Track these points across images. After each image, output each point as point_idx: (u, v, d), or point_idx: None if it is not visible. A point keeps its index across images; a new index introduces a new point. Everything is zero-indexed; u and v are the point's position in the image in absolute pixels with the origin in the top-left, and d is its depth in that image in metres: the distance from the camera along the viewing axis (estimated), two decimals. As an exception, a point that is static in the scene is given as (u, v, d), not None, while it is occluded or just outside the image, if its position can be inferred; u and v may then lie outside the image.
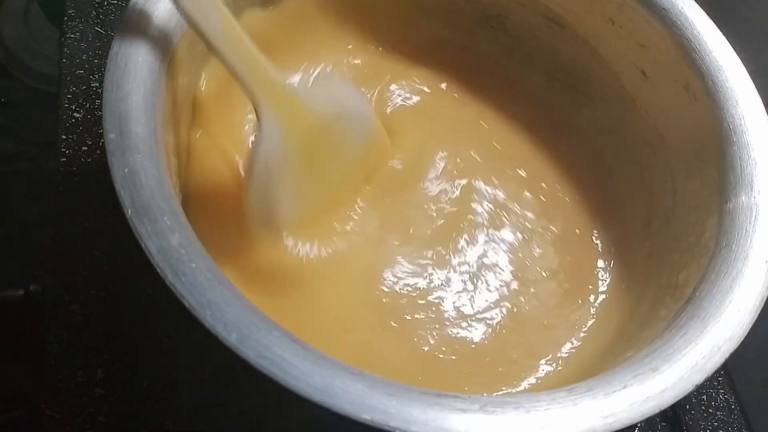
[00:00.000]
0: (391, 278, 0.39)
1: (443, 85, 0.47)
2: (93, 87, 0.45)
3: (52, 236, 0.40)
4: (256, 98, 0.34)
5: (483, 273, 0.40)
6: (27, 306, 0.45)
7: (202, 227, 0.33)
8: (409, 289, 0.39)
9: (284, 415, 0.34)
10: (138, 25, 0.32)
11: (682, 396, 0.28)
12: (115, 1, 0.50)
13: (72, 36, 0.47)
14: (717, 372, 0.29)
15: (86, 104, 0.45)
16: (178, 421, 0.36)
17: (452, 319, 0.38)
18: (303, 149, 0.37)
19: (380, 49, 0.48)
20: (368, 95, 0.45)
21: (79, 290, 0.39)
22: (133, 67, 0.31)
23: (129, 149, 0.28)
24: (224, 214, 0.38)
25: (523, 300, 0.40)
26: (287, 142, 0.35)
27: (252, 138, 0.37)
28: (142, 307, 0.39)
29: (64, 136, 0.43)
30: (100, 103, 0.44)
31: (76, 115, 0.44)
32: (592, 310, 0.40)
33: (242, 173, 0.37)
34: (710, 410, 0.43)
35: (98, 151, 0.43)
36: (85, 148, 0.43)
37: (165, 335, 0.38)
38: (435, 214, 0.42)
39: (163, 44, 0.32)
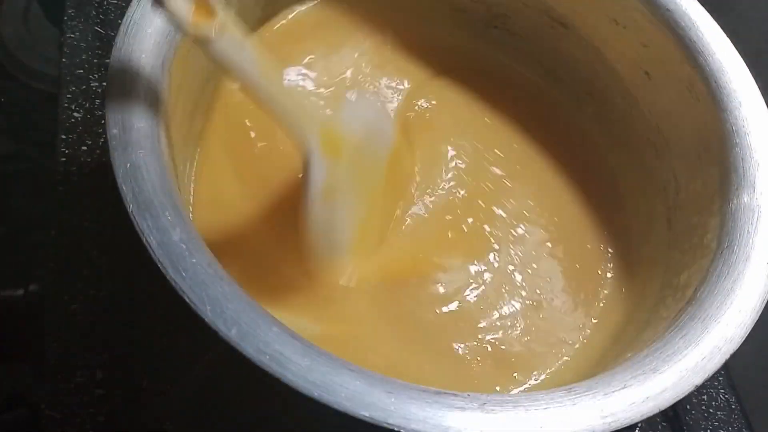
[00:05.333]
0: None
1: (444, 85, 0.47)
2: (93, 87, 0.45)
3: (52, 236, 0.40)
4: (300, 136, 0.34)
5: (487, 277, 0.40)
6: (27, 306, 0.45)
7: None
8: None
9: (284, 415, 0.34)
10: (140, 24, 0.32)
11: (682, 396, 0.28)
12: (115, 1, 0.50)
13: (72, 36, 0.47)
14: (717, 372, 0.29)
15: (86, 104, 0.45)
16: (178, 422, 0.36)
17: (455, 322, 0.38)
18: (347, 174, 0.37)
19: (387, 46, 0.48)
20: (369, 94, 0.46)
21: (79, 290, 0.39)
22: (136, 64, 0.31)
23: (131, 145, 0.28)
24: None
25: (525, 303, 0.40)
26: (334, 171, 0.35)
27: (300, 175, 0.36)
28: (142, 307, 0.39)
29: (63, 136, 0.43)
30: (100, 102, 0.44)
31: (76, 115, 0.44)
32: (594, 312, 0.40)
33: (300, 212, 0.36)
34: (710, 410, 0.43)
35: (98, 151, 0.43)
36: (84, 147, 0.43)
37: (165, 335, 0.38)
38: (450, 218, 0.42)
39: (165, 42, 0.32)
